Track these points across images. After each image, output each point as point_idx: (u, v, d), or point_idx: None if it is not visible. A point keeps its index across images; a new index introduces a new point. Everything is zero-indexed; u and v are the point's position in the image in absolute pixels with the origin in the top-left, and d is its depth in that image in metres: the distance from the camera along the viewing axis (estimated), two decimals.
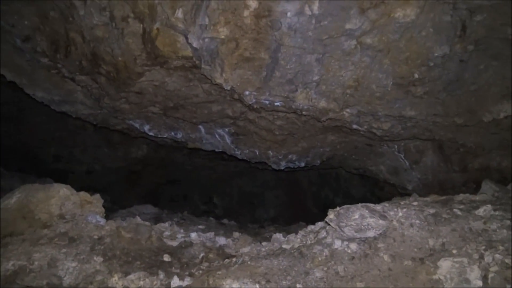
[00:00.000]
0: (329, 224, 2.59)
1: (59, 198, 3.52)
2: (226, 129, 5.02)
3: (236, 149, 5.27)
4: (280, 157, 5.24)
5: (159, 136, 5.27)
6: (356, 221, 2.45)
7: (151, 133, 5.23)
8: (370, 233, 2.43)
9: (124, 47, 3.77)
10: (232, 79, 3.50)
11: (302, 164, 5.48)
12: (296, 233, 3.16)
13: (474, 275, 2.02)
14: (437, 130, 4.10)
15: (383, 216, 2.49)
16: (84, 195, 3.63)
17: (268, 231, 4.16)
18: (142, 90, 4.23)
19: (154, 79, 4.06)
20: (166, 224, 3.51)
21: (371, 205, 2.63)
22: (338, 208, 2.63)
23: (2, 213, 3.19)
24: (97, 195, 3.66)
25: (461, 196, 3.01)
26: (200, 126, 5.08)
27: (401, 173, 5.24)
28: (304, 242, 2.75)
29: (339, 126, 4.34)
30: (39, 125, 7.21)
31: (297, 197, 8.43)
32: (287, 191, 8.54)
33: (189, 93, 4.22)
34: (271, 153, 5.21)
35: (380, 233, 2.45)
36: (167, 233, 3.36)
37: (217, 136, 5.19)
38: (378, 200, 7.63)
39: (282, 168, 5.62)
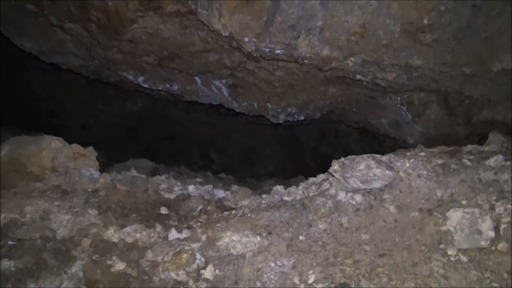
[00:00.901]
0: (332, 175, 2.48)
1: (51, 150, 3.39)
2: (224, 81, 4.83)
3: (234, 102, 5.09)
4: (279, 110, 5.08)
5: (154, 88, 5.07)
6: (362, 172, 2.34)
7: (145, 85, 5.03)
8: (376, 184, 2.33)
9: None
10: (231, 25, 3.28)
11: (302, 118, 5.33)
12: (297, 185, 3.07)
13: (486, 225, 1.93)
14: (443, 81, 3.93)
15: (389, 167, 2.38)
16: (77, 147, 3.50)
17: (267, 184, 4.07)
18: (135, 38, 4.00)
19: (147, 26, 3.82)
20: (163, 177, 3.41)
21: (377, 155, 2.52)
22: (343, 159, 2.51)
23: None
24: (91, 148, 3.53)
25: (469, 147, 2.90)
26: (196, 78, 4.88)
27: (403, 126, 5.11)
28: (306, 194, 2.65)
29: (341, 77, 4.15)
30: (32, 79, 6.97)
31: (295, 153, 8.35)
32: (285, 147, 8.45)
33: (185, 42, 4.00)
34: (270, 106, 5.05)
35: (386, 184, 2.34)
36: (164, 185, 3.26)
37: (214, 88, 5.00)
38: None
39: (281, 121, 5.47)
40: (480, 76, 3.80)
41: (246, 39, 3.40)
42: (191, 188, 3.16)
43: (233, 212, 2.69)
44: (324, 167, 7.89)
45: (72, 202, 2.83)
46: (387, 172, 2.33)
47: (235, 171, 8.44)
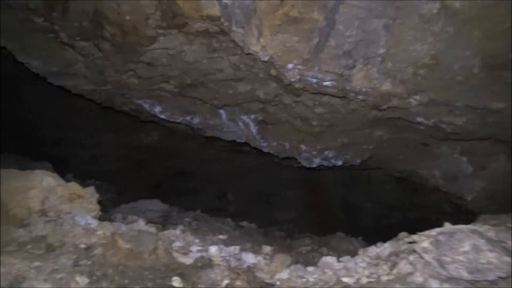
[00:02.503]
0: (420, 256, 1.75)
1: (42, 189, 2.75)
2: (252, 116, 4.19)
3: (262, 141, 4.44)
4: (314, 152, 4.40)
5: (172, 120, 4.45)
6: (468, 256, 1.61)
7: (162, 116, 4.41)
8: (490, 276, 1.59)
9: (133, 2, 2.95)
10: (272, 47, 2.66)
11: (339, 163, 4.63)
12: (354, 257, 2.35)
13: None
14: None
15: (505, 249, 1.65)
16: (74, 187, 2.85)
17: (303, 244, 3.34)
18: (154, 60, 3.41)
19: (169, 47, 3.23)
20: (177, 231, 2.70)
21: (481, 229, 1.79)
22: (433, 232, 1.79)
23: None
24: (91, 188, 2.87)
25: None
26: (221, 111, 4.26)
27: (460, 180, 4.36)
28: (375, 276, 1.91)
29: (395, 118, 3.48)
30: (39, 103, 6.44)
31: (321, 199, 7.59)
32: (309, 192, 7.69)
33: (212, 67, 3.39)
34: (304, 148, 4.37)
35: (503, 277, 1.60)
36: (178, 243, 2.54)
37: (240, 123, 4.36)
38: (417, 209, 6.78)
39: (314, 166, 4.78)
40: None
41: (290, 66, 2.77)
42: (213, 250, 2.44)
43: None
44: (352, 217, 7.11)
45: (56, 263, 2.13)
46: (505, 258, 1.59)
47: (254, 215, 7.70)
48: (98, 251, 2.31)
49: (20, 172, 2.74)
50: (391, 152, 4.50)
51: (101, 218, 3.11)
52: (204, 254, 2.47)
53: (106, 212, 4.53)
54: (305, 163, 4.75)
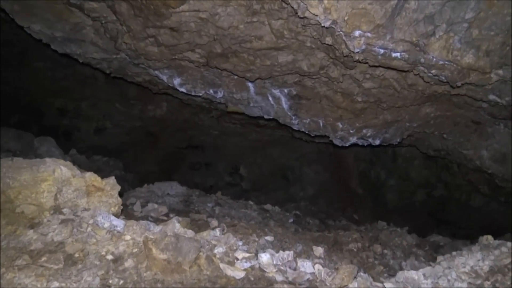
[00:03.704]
0: None
1: (55, 181, 2.31)
2: (285, 90, 3.69)
3: (294, 117, 3.96)
4: (352, 131, 3.93)
5: (193, 93, 3.95)
6: None
7: (182, 89, 3.91)
8: None
9: None
10: (338, 9, 2.14)
11: (377, 142, 4.17)
12: (434, 265, 1.93)
13: None
14: None
15: None
16: (91, 177, 2.40)
17: (351, 239, 2.90)
18: (180, 25, 2.88)
19: (201, 9, 2.70)
20: (217, 232, 2.26)
21: None
22: None
23: None
24: (112, 179, 2.41)
25: None
26: (250, 84, 3.75)
27: (510, 161, 3.94)
28: None
29: (460, 95, 3.00)
30: (43, 71, 5.88)
31: (340, 174, 7.17)
32: (328, 167, 7.27)
33: (250, 34, 2.86)
34: (341, 126, 3.90)
35: None
36: (220, 249, 2.11)
37: (270, 98, 3.86)
38: (447, 187, 6.38)
39: (347, 145, 4.33)
40: None
41: (357, 33, 2.26)
42: (265, 258, 2.01)
43: None
44: (373, 194, 6.71)
45: (80, 283, 1.71)
46: None
47: (268, 191, 7.31)
48: (129, 263, 1.88)
49: (28, 161, 2.28)
50: (435, 130, 4.03)
51: (124, 214, 2.69)
52: (254, 263, 2.04)
53: (120, 196, 4.09)
54: (337, 142, 4.29)
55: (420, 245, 3.05)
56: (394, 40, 2.29)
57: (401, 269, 2.57)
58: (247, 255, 2.09)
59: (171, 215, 3.28)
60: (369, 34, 2.24)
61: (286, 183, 7.34)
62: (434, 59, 2.36)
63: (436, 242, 3.32)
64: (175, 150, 7.31)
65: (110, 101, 6.39)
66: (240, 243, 2.26)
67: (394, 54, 2.40)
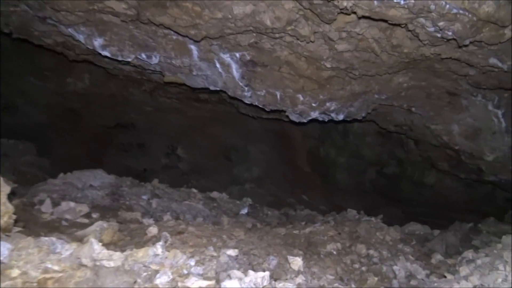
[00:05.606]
0: None
1: None
2: (237, 55, 3.00)
3: (246, 88, 3.29)
4: (314, 104, 3.36)
5: (120, 59, 3.13)
6: None
7: (105, 53, 3.08)
8: None
9: None
10: None
11: (340, 117, 3.65)
12: (458, 279, 1.40)
13: None
14: None
15: None
16: None
17: (326, 238, 2.33)
18: None
19: None
20: (158, 248, 1.55)
21: None
22: None
23: None
24: None
25: None
26: (193, 46, 3.01)
27: (483, 137, 3.60)
28: None
29: (451, 59, 2.51)
30: None
31: (287, 153, 6.66)
32: (274, 145, 6.72)
33: None
34: (302, 98, 3.31)
35: None
36: (165, 277, 1.42)
37: (218, 65, 3.15)
38: (400, 164, 6.11)
39: (306, 120, 3.76)
40: None
41: None
42: (231, 286, 1.37)
43: None
44: (322, 173, 6.29)
45: None
46: None
47: (209, 173, 6.64)
48: None
49: None
50: (404, 103, 3.58)
51: (24, 222, 1.91)
52: None
53: (23, 187, 3.17)
54: (294, 118, 3.72)
55: (405, 240, 2.58)
56: None
57: (395, 276, 2.07)
58: (204, 284, 1.42)
59: (93, 216, 2.53)
60: None
61: (230, 164, 6.70)
62: (448, 6, 1.80)
63: (419, 234, 2.89)
64: (102, 129, 6.36)
65: (20, 73, 5.29)
66: (193, 263, 1.59)
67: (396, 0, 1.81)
